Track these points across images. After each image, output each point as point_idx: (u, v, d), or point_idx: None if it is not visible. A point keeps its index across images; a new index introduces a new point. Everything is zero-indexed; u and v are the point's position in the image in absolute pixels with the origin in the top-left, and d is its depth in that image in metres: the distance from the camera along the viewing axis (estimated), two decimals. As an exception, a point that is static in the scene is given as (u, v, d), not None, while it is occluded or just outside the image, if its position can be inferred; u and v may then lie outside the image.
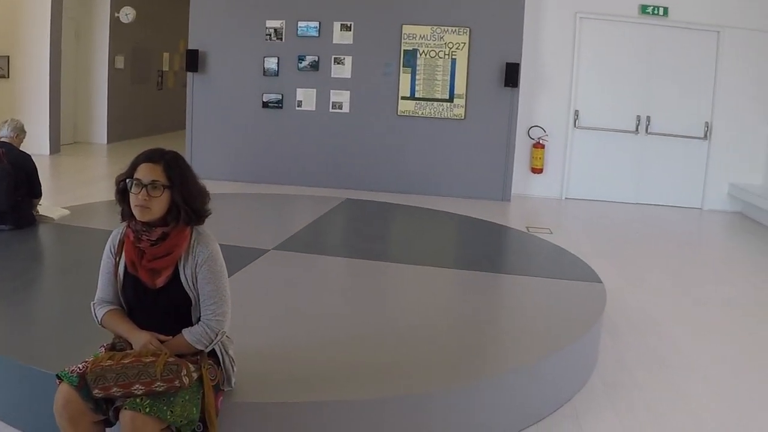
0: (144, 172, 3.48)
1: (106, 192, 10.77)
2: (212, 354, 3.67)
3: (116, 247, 3.66)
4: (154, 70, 20.38)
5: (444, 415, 4.20)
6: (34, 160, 7.40)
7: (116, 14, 17.61)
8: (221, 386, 3.70)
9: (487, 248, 8.17)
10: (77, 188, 11.60)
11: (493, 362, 4.73)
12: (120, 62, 18.34)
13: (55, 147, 15.57)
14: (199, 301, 3.58)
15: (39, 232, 7.25)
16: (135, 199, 3.48)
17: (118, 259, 3.64)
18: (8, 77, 15.22)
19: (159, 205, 3.49)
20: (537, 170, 13.37)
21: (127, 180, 3.52)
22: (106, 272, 3.68)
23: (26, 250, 6.68)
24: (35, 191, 7.34)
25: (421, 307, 5.75)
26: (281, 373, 4.18)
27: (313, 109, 13.03)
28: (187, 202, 3.55)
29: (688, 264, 9.43)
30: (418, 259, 7.19)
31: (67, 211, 7.87)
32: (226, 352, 3.75)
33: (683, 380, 5.55)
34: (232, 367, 3.80)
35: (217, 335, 3.56)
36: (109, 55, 17.85)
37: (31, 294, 5.58)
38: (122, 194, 3.58)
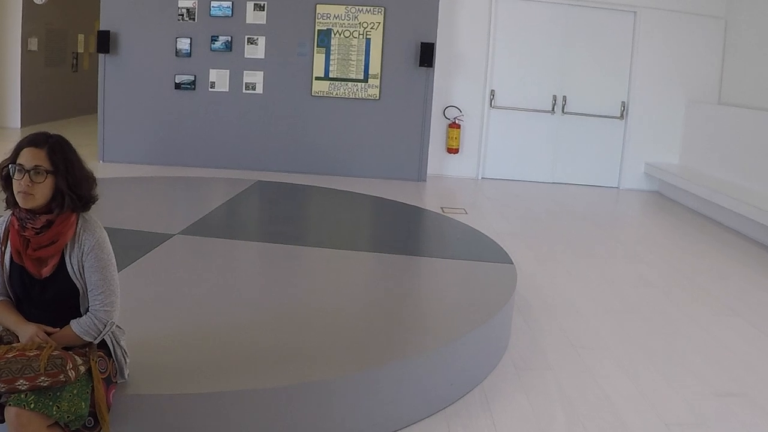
0: (26, 157, 3.32)
1: None
2: (103, 345, 3.53)
3: (2, 236, 3.50)
4: (69, 52, 19.96)
5: (347, 402, 4.08)
6: None
7: (29, -5, 17.21)
8: (113, 379, 3.55)
9: (399, 230, 8.07)
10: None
11: (399, 346, 4.56)
12: (33, 44, 17.92)
13: None
14: (87, 291, 3.42)
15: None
16: (17, 185, 3.32)
17: (3, 248, 3.48)
18: None
19: (42, 191, 3.33)
20: (453, 150, 13.32)
21: (10, 165, 3.35)
22: None
23: None
24: None
25: (329, 291, 5.62)
26: (180, 364, 4.03)
27: (227, 90, 12.83)
28: (72, 189, 3.39)
29: (602, 243, 9.46)
30: (330, 242, 7.08)
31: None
32: (118, 343, 3.60)
33: (595, 361, 5.52)
34: (125, 359, 3.66)
35: (105, 326, 3.42)
36: (21, 36, 17.40)
37: None
38: (6, 180, 3.40)
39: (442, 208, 10.54)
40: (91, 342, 3.44)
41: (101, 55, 12.92)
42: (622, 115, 13.33)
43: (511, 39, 13.28)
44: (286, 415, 3.93)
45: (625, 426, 4.53)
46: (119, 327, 3.65)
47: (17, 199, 3.34)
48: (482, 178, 13.50)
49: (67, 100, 19.57)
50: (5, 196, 3.44)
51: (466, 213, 10.35)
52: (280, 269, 6.26)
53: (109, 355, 3.56)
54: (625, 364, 5.49)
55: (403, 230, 8.09)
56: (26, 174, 3.29)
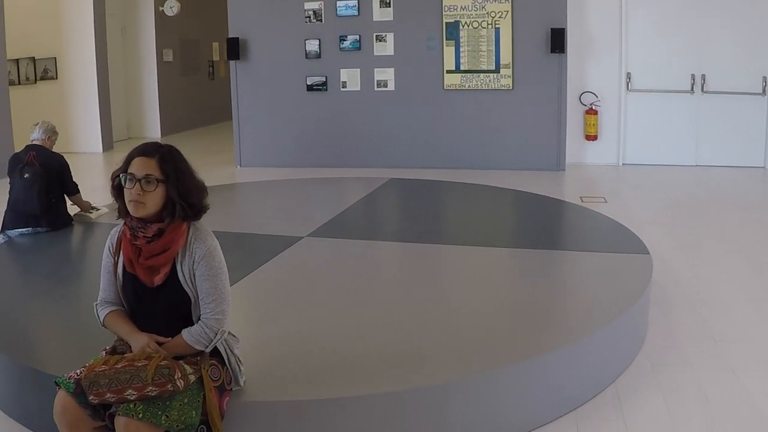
0: (137, 167, 3.36)
1: None
2: (217, 353, 3.52)
3: (115, 245, 3.55)
4: (204, 61, 20.41)
5: (467, 406, 3.95)
6: (66, 159, 7.35)
7: (161, 8, 17.63)
8: (227, 386, 3.55)
9: (533, 223, 7.88)
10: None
11: (524, 346, 4.37)
12: (168, 55, 18.42)
13: (108, 144, 15.71)
14: (198, 299, 3.42)
15: (74, 233, 7.17)
16: (129, 194, 3.36)
17: (116, 258, 3.53)
18: (56, 78, 15.36)
19: (153, 200, 3.37)
20: (591, 137, 13.01)
21: (121, 175, 3.39)
22: (106, 272, 3.58)
23: (59, 252, 6.61)
24: (69, 189, 7.25)
25: (460, 290, 5.50)
26: (300, 369, 4.00)
27: (358, 89, 12.85)
28: (183, 197, 3.42)
29: (748, 228, 8.95)
30: (463, 239, 6.97)
31: (105, 210, 7.74)
32: (231, 351, 3.59)
33: (737, 357, 5.19)
34: (239, 366, 3.64)
35: (216, 334, 3.41)
36: (156, 48, 17.90)
37: (56, 295, 5.43)
38: (118, 190, 3.45)
39: (581, 197, 10.28)
40: (203, 351, 3.40)
41: (232, 62, 13.15)
42: (764, 91, 12.77)
43: (644, 18, 12.87)
44: (404, 420, 3.83)
45: (766, 426, 4.24)
46: (233, 335, 3.65)
47: (129, 208, 3.37)
48: (623, 164, 13.13)
49: (205, 108, 19.98)
50: (117, 206, 3.48)
51: (606, 202, 10.08)
52: (411, 269, 6.17)
53: (223, 363, 3.55)
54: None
55: (537, 223, 7.88)
56: (137, 183, 3.33)
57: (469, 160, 12.66)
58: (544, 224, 7.83)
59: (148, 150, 3.40)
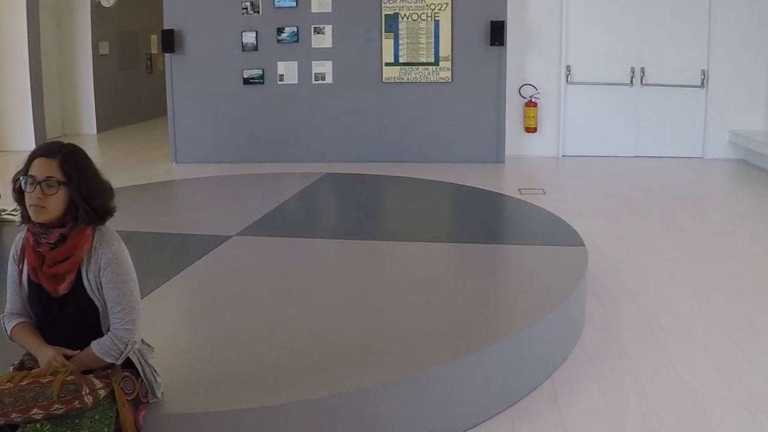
0: (38, 168, 3.13)
1: None
2: (130, 365, 3.32)
3: (19, 253, 3.32)
4: (143, 54, 20.02)
5: (396, 409, 3.80)
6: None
7: (97, -1, 17.22)
8: (143, 399, 3.36)
9: (470, 218, 7.76)
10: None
11: (461, 344, 4.23)
12: (105, 48, 18.03)
13: (42, 141, 15.15)
14: (106, 308, 3.22)
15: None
16: (29, 197, 3.13)
17: (21, 266, 3.29)
18: (-14, 72, 14.88)
19: (55, 204, 3.13)
20: (531, 129, 12.99)
21: (21, 178, 3.17)
22: (11, 282, 3.34)
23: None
24: None
25: (392, 288, 5.34)
26: (222, 377, 3.81)
27: (296, 82, 12.68)
28: (87, 200, 3.19)
29: (686, 217, 9.03)
30: (396, 234, 6.85)
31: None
32: (146, 362, 3.39)
33: (674, 345, 5.16)
34: (155, 377, 3.44)
35: (127, 346, 3.21)
36: (92, 41, 17.48)
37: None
38: (19, 194, 3.22)
39: (519, 189, 10.23)
40: (114, 363, 3.23)
41: (167, 55, 12.86)
42: (702, 84, 12.84)
43: (584, 11, 12.88)
44: (332, 427, 3.66)
45: (705, 415, 4.19)
46: (147, 344, 3.46)
47: (30, 213, 3.15)
48: (563, 156, 13.13)
49: (143, 103, 19.62)
50: (20, 211, 3.26)
51: (545, 193, 10.04)
52: (345, 267, 6.02)
53: (137, 374, 3.36)
54: (707, 348, 5.13)
55: (475, 217, 7.76)
56: (38, 186, 3.11)
57: (408, 154, 12.55)
58: (481, 218, 7.71)
59: (49, 150, 3.18)
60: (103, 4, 16.68)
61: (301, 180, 9.18)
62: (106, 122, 17.95)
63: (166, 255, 6.02)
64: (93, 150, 15.20)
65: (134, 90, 19.26)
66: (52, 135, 15.96)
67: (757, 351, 5.06)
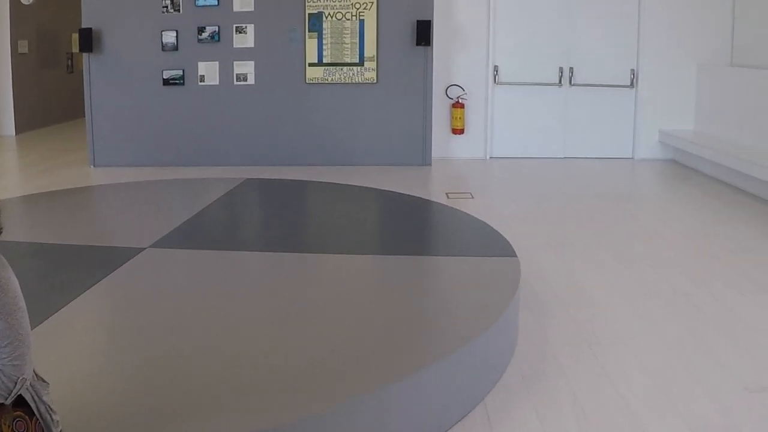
0: None
1: (7, 190, 10.10)
2: (23, 403, 2.93)
3: None
4: (63, 53, 19.48)
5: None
6: None
7: (16, -4, 16.76)
8: None
9: (396, 227, 7.40)
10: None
11: (384, 370, 3.87)
12: (24, 46, 17.47)
13: None
14: None
15: None
16: None
17: None
18: None
19: None
20: (458, 131, 12.76)
21: None
22: None
23: None
24: None
25: (313, 307, 4.91)
26: (130, 409, 3.44)
27: (217, 83, 12.31)
28: None
29: (618, 221, 8.83)
30: (319, 246, 6.50)
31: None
32: (40, 399, 2.99)
33: (612, 359, 4.91)
34: (50, 415, 3.04)
35: (16, 384, 2.82)
36: (11, 39, 16.94)
37: None
38: None
39: (447, 194, 9.99)
40: (2, 403, 2.86)
41: (85, 55, 12.41)
42: (632, 84, 12.76)
43: (512, 10, 12.72)
44: None
45: None
46: (41, 379, 3.07)
47: None
48: (490, 157, 12.93)
49: (64, 103, 19.06)
50: None
51: (473, 197, 9.82)
52: (265, 283, 5.58)
53: (31, 413, 2.97)
54: (646, 361, 4.89)
55: (401, 226, 7.40)
56: None
57: (333, 157, 12.24)
58: (408, 227, 7.36)
59: None
60: (23, 1, 16.30)
61: (221, 186, 8.81)
62: (25, 123, 17.41)
63: (71, 271, 5.60)
64: (11, 152, 14.78)
65: (55, 90, 18.73)
66: (-33, 137, 15.47)
67: (697, 363, 4.86)
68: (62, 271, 5.64)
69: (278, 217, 7.68)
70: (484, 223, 7.09)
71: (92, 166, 12.43)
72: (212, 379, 3.77)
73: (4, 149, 15.20)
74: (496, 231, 6.71)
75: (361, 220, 7.80)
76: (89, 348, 4.28)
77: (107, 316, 4.86)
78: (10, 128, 17.11)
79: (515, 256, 5.88)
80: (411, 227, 7.38)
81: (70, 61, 19.80)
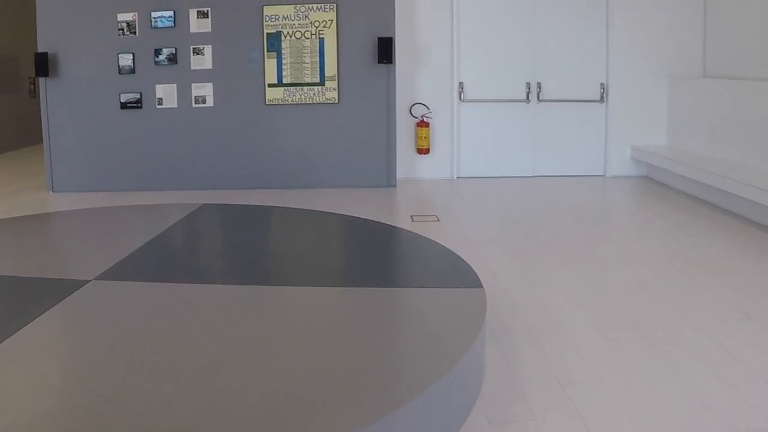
0: None
1: None
2: None
3: None
4: (25, 78, 19.13)
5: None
6: None
7: (-26, 21, 16.43)
8: None
9: (358, 256, 6.99)
10: None
11: (335, 421, 3.49)
12: (-19, 72, 17.15)
13: None
14: None
15: None
16: None
17: None
18: None
19: None
20: (423, 150, 12.44)
21: None
22: None
23: None
24: None
25: (267, 347, 4.50)
26: None
27: (175, 105, 11.98)
28: None
29: (590, 242, 8.47)
30: (276, 277, 6.11)
31: None
32: None
33: (586, 400, 4.52)
34: None
35: None
36: (-32, 64, 16.66)
37: None
38: None
39: (412, 216, 9.68)
40: None
41: (42, 79, 12.05)
42: (602, 98, 12.50)
43: (476, 25, 12.45)
44: None
45: None
46: None
47: None
48: (457, 177, 12.62)
49: (25, 128, 18.74)
50: None
51: (438, 220, 9.50)
52: (213, 320, 5.13)
53: None
54: (624, 402, 4.50)
55: (362, 255, 7.00)
56: None
57: (295, 180, 11.92)
58: (369, 256, 6.96)
59: None
60: None
61: (176, 212, 8.43)
62: None
63: (4, 307, 5.19)
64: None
65: (17, 115, 18.42)
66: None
67: (680, 403, 4.47)
68: None
69: (235, 246, 7.28)
70: (449, 250, 6.70)
71: (51, 192, 12.13)
72: (162, 422, 3.41)
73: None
74: (461, 259, 6.32)
75: (322, 248, 7.41)
76: (16, 396, 3.87)
77: (39, 359, 4.39)
78: None
79: (481, 287, 5.50)
80: (373, 256, 6.98)
81: (32, 85, 19.44)
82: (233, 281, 5.91)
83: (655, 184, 11.91)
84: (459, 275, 5.86)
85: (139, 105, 12.01)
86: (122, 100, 12.03)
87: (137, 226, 8.14)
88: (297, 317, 5.14)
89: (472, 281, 5.65)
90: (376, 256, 6.99)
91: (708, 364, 5.08)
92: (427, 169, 12.65)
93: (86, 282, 5.67)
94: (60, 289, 5.47)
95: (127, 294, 5.55)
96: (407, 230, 7.89)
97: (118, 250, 6.67)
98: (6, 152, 17.97)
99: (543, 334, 5.66)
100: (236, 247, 7.19)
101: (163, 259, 6.72)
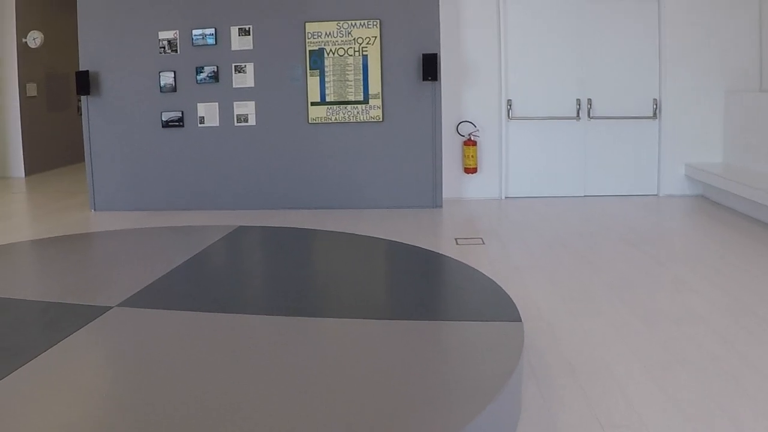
0: None
1: (2, 234, 9.73)
2: None
3: None
4: (73, 96, 19.20)
5: None
6: None
7: (23, 39, 16.47)
8: None
9: (397, 286, 6.65)
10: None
11: None
12: (32, 90, 17.27)
13: None
14: None
15: None
16: None
17: None
18: None
19: None
20: (470, 170, 12.13)
21: None
22: None
23: None
24: None
25: (300, 382, 4.22)
26: None
27: (217, 124, 11.80)
28: None
29: (641, 269, 8.03)
30: (308, 308, 5.77)
31: None
32: None
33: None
34: None
35: None
36: (19, 83, 16.71)
37: None
38: None
39: (456, 239, 9.36)
40: None
41: (84, 98, 11.99)
42: (655, 114, 12.09)
43: (524, 41, 12.14)
44: None
45: None
46: None
47: None
48: (505, 197, 12.29)
49: (74, 146, 18.80)
50: None
51: (483, 243, 9.17)
52: (243, 353, 4.84)
53: None
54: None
55: (401, 284, 6.66)
56: None
57: (338, 200, 11.66)
58: (408, 286, 6.63)
59: None
60: (30, 45, 16.13)
61: (210, 234, 8.19)
62: (35, 165, 17.29)
63: (24, 333, 4.96)
64: (17, 194, 14.47)
65: (65, 132, 18.50)
66: (-25, 181, 15.26)
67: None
68: (12, 333, 4.98)
69: (268, 273, 7.01)
70: (490, 279, 6.37)
71: (93, 210, 12.06)
72: None
73: (12, 191, 14.91)
74: (501, 289, 5.98)
75: (359, 276, 7.11)
76: (33, 421, 3.65)
77: (54, 389, 4.13)
78: (20, 170, 16.99)
79: (519, 320, 5.18)
80: (411, 286, 6.67)
81: (80, 103, 19.52)
82: (262, 311, 5.63)
83: (711, 204, 11.47)
84: (498, 307, 5.54)
85: (181, 124, 11.87)
86: (164, 119, 11.90)
87: (169, 249, 7.91)
88: (328, 351, 4.82)
89: (511, 314, 5.32)
90: (414, 285, 6.67)
91: (765, 407, 4.66)
92: (474, 188, 12.34)
93: (109, 308, 5.44)
94: (82, 316, 5.23)
95: (149, 323, 5.27)
96: (449, 257, 7.56)
97: (146, 274, 6.43)
98: (58, 168, 18.11)
99: (585, 370, 5.28)
100: (269, 274, 6.91)
101: (190, 285, 6.43)
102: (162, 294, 5.96)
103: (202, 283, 6.53)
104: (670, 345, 5.78)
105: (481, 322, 5.22)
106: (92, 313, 5.30)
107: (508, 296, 5.81)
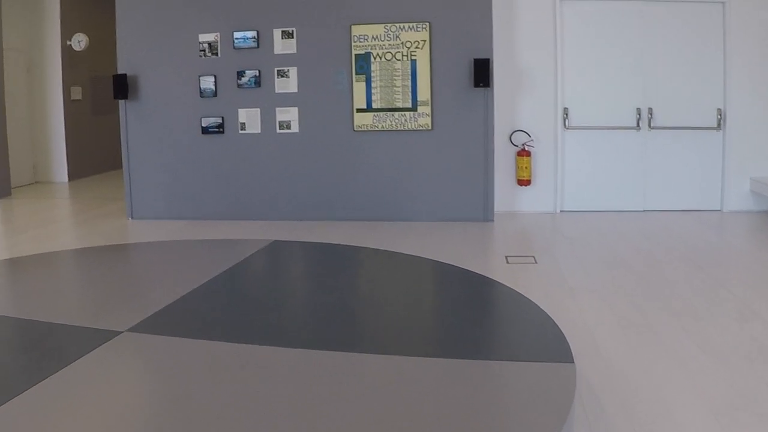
0: None
1: (36, 242, 9.38)
2: None
3: None
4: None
5: None
6: None
7: (68, 42, 16.24)
8: None
9: (439, 318, 6.06)
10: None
11: None
12: (77, 93, 17.07)
13: (5, 190, 14.53)
14: None
15: None
16: None
17: None
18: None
19: None
20: (524, 182, 11.56)
21: None
22: None
23: None
24: None
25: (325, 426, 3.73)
26: None
27: (259, 131, 11.37)
28: None
29: (705, 294, 7.36)
30: (337, 341, 5.19)
31: None
32: None
33: None
34: None
35: None
36: (63, 85, 16.50)
37: None
38: None
39: (507, 257, 8.80)
40: None
41: (121, 102, 11.61)
42: (719, 125, 11.46)
43: (582, 46, 11.56)
44: None
45: None
46: None
47: None
48: (560, 211, 11.71)
49: (118, 150, 18.54)
50: None
51: (536, 262, 8.60)
52: (259, 391, 4.30)
53: None
54: None
55: (444, 317, 6.08)
56: None
57: (384, 212, 11.16)
58: (451, 316, 6.02)
59: None
60: (74, 47, 15.93)
61: (242, 250, 7.62)
62: (78, 170, 17.16)
63: (24, 359, 4.45)
64: (59, 200, 14.29)
65: (108, 136, 18.22)
66: (20, 183, 15.47)
67: None
68: (14, 357, 4.49)
69: (294, 297, 6.43)
70: (543, 312, 5.76)
71: (130, 218, 11.75)
72: None
73: (53, 196, 14.72)
74: (553, 322, 5.37)
75: (399, 305, 6.51)
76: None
77: (50, 423, 3.66)
78: (63, 175, 16.87)
79: (572, 361, 4.59)
80: (455, 317, 6.06)
81: (123, 107, 19.35)
82: (281, 344, 5.05)
83: (780, 221, 10.82)
84: (549, 345, 4.94)
85: (221, 130, 11.45)
86: (203, 125, 11.49)
87: (193, 266, 7.36)
88: (363, 391, 4.30)
89: (563, 354, 4.73)
90: (459, 316, 6.07)
91: None
92: (528, 201, 11.77)
93: (118, 333, 4.92)
94: (88, 341, 4.72)
95: (158, 352, 4.74)
96: (499, 283, 6.97)
97: (164, 294, 5.88)
98: (102, 173, 17.93)
99: (643, 413, 4.67)
100: (296, 300, 6.33)
101: (209, 310, 5.91)
102: (179, 317, 5.39)
103: (218, 308, 5.96)
104: (739, 385, 5.12)
105: (531, 363, 4.63)
106: (99, 338, 4.75)
107: (561, 332, 5.20)
